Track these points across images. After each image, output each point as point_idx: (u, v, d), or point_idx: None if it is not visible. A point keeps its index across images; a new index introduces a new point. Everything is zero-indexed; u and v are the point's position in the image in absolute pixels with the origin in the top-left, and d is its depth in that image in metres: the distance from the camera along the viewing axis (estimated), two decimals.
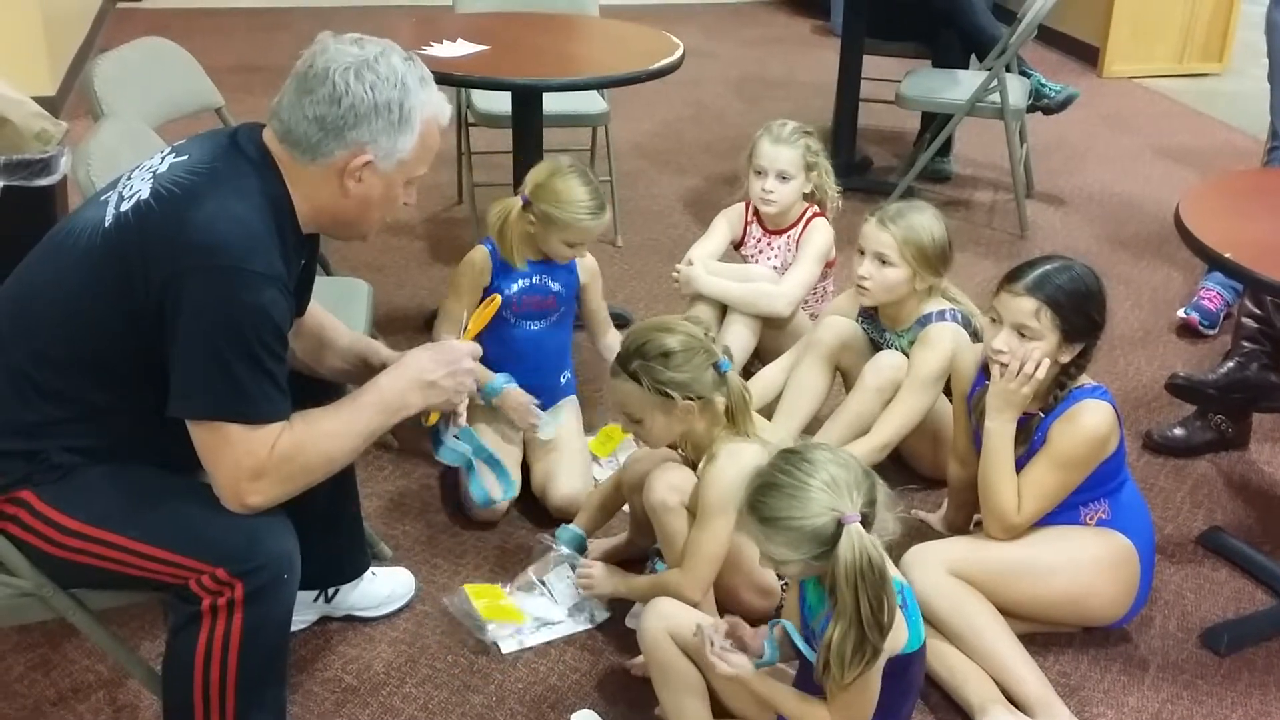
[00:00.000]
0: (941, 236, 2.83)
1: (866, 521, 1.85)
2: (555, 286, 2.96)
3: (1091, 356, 2.41)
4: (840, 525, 1.82)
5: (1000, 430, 2.42)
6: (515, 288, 2.93)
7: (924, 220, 2.82)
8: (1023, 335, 2.37)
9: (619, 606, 2.55)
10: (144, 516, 1.85)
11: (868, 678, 1.88)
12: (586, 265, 3.04)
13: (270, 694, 1.98)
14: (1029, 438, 2.43)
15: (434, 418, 2.10)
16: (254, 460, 1.82)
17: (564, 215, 2.81)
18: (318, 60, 1.85)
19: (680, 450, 2.44)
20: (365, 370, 2.22)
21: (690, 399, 2.25)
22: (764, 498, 1.88)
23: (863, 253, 2.87)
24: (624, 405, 2.33)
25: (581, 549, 2.62)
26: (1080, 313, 2.36)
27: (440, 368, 2.03)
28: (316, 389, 2.25)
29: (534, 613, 2.53)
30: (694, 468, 2.39)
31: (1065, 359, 2.38)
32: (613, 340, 3.06)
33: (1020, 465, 2.43)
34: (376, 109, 1.85)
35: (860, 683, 1.88)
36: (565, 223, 2.82)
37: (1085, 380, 2.42)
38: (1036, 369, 2.36)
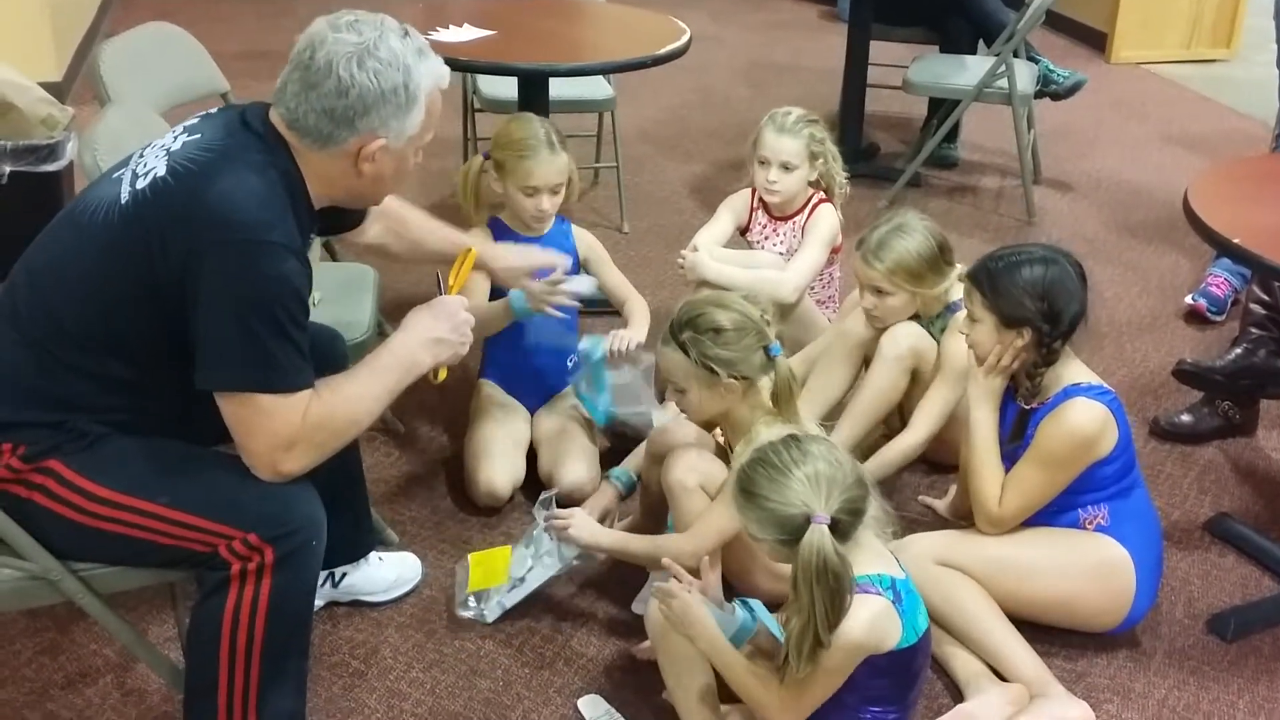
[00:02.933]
0: (928, 249, 2.79)
1: (839, 527, 1.86)
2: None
3: (1059, 349, 2.34)
4: (809, 521, 1.84)
5: (980, 419, 2.42)
6: None
7: (905, 243, 2.78)
8: (973, 320, 2.39)
9: (622, 589, 2.56)
10: (174, 483, 1.87)
11: (827, 673, 1.92)
12: (585, 240, 3.04)
13: (293, 664, 2.00)
14: (1022, 432, 2.42)
15: (443, 374, 2.12)
16: (289, 429, 1.84)
17: (511, 156, 2.85)
18: (318, 52, 1.86)
19: (719, 430, 2.44)
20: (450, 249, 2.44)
21: (735, 378, 2.25)
22: (750, 471, 1.93)
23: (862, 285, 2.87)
24: (669, 373, 2.33)
25: (631, 488, 2.63)
26: (1008, 297, 2.33)
27: (443, 323, 2.07)
28: (320, 360, 2.27)
29: (513, 572, 2.51)
30: (727, 450, 2.39)
31: (1019, 344, 2.35)
32: (636, 305, 3.03)
33: (1015, 459, 2.41)
34: (383, 96, 1.86)
35: (816, 677, 1.92)
36: (513, 165, 2.85)
37: (1086, 379, 2.37)
38: (1000, 360, 2.36)
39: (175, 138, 1.92)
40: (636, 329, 2.93)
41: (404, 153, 1.96)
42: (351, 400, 1.94)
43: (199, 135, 1.90)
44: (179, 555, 1.89)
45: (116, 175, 1.92)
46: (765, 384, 2.29)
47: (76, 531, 1.88)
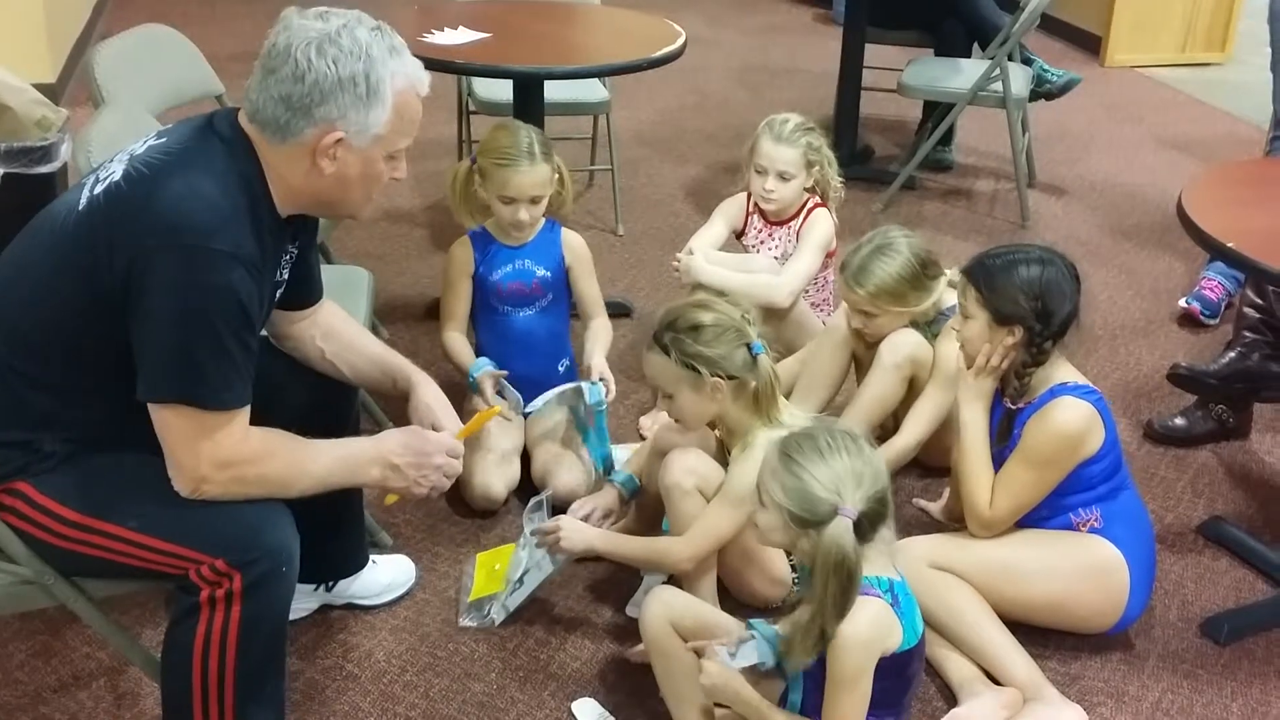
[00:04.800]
0: (909, 269, 2.79)
1: (860, 527, 1.87)
2: (539, 272, 2.96)
3: (1050, 350, 2.35)
4: (835, 513, 1.85)
5: (971, 420, 2.42)
6: (498, 274, 2.95)
7: (885, 266, 2.78)
8: (965, 317, 2.40)
9: (616, 593, 2.56)
10: (143, 507, 1.85)
11: (853, 683, 1.91)
12: (572, 246, 3.02)
13: (269, 687, 1.98)
14: (1009, 433, 2.42)
15: (390, 499, 2.10)
16: (218, 448, 1.81)
17: (491, 163, 2.84)
18: (280, 38, 1.82)
19: (717, 433, 2.44)
20: (390, 386, 2.25)
21: (719, 376, 2.26)
22: (800, 441, 1.93)
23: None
24: (655, 378, 2.34)
25: (634, 491, 2.61)
26: (1003, 294, 2.33)
27: (408, 455, 2.01)
28: (330, 393, 2.27)
29: (510, 574, 2.51)
30: (725, 453, 2.39)
31: (1010, 343, 2.35)
32: (599, 325, 3.04)
33: (1002, 460, 2.41)
34: (341, 83, 1.80)
35: (847, 700, 1.92)
36: (492, 172, 2.85)
37: (1072, 378, 2.38)
38: (990, 359, 2.37)
39: (144, 143, 1.89)
40: (597, 356, 2.92)
41: (370, 154, 1.88)
42: (293, 462, 1.91)
43: (163, 140, 1.87)
44: (152, 575, 1.88)
45: (82, 182, 1.90)
46: (753, 384, 2.30)
47: (49, 552, 1.87)
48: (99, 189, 1.83)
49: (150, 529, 1.83)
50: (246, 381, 1.83)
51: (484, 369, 2.83)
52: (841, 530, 1.85)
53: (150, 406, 1.80)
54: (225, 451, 1.82)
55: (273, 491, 1.89)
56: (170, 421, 1.80)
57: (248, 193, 1.84)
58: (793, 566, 2.42)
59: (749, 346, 2.28)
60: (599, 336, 2.99)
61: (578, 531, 2.38)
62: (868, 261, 2.80)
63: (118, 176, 1.82)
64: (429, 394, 2.21)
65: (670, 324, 2.30)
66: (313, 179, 1.89)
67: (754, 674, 2.04)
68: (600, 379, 2.84)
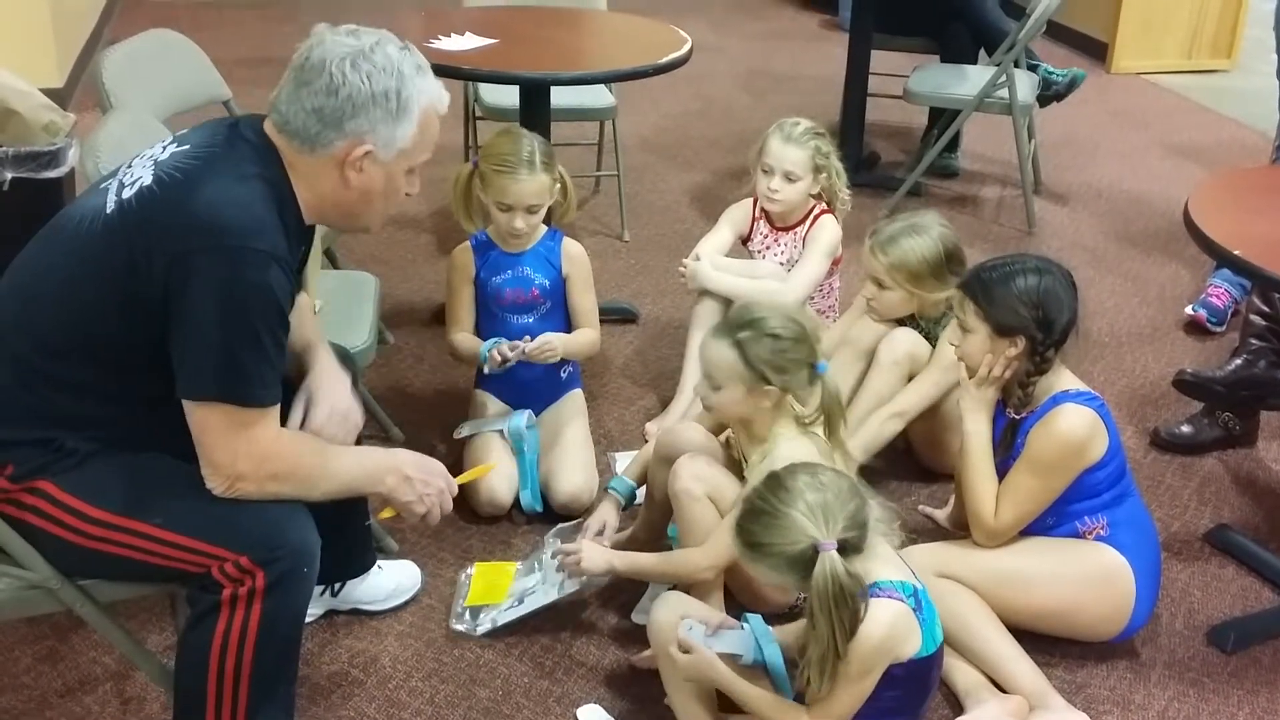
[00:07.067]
0: (934, 255, 2.81)
1: (848, 545, 1.87)
2: (537, 279, 2.95)
3: (1053, 358, 2.35)
4: (817, 551, 1.85)
5: (975, 431, 2.42)
6: (498, 280, 2.94)
7: (915, 243, 2.81)
8: (965, 330, 2.40)
9: (622, 599, 2.56)
10: (168, 504, 1.86)
11: (851, 682, 1.92)
12: (572, 256, 2.99)
13: (282, 690, 1.99)
14: (1012, 442, 2.42)
15: (387, 513, 2.12)
16: (254, 445, 1.83)
17: (490, 169, 2.83)
18: (314, 52, 1.86)
19: (730, 434, 2.43)
20: (295, 368, 2.17)
21: (774, 387, 2.26)
22: (747, 524, 1.93)
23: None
24: (712, 367, 2.31)
25: (632, 498, 2.63)
26: (1003, 306, 2.33)
27: (419, 472, 2.05)
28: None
29: (512, 591, 2.51)
30: (739, 460, 2.39)
31: (1013, 353, 2.35)
32: (585, 333, 2.99)
33: (1006, 469, 2.41)
34: (374, 98, 1.86)
35: (840, 691, 1.92)
36: (491, 178, 2.84)
37: (1073, 385, 2.38)
38: (993, 369, 2.36)
39: (164, 148, 1.91)
40: (561, 338, 2.89)
41: (393, 168, 1.94)
42: (321, 465, 1.94)
43: (187, 145, 1.90)
44: (173, 574, 1.88)
45: (104, 186, 1.92)
46: (796, 397, 2.30)
47: (71, 551, 1.87)
48: (127, 193, 1.85)
49: (175, 525, 1.85)
50: (279, 378, 1.86)
51: (493, 344, 2.83)
52: (829, 565, 1.84)
53: (187, 405, 1.82)
54: (261, 448, 1.84)
55: (300, 491, 1.91)
56: (208, 419, 1.82)
57: (277, 197, 1.88)
58: None
59: (813, 365, 2.29)
60: (576, 334, 2.97)
61: (599, 553, 2.38)
62: (898, 234, 2.84)
63: (148, 181, 1.84)
64: (326, 367, 2.16)
65: (752, 323, 2.27)
66: (338, 190, 1.93)
67: (735, 667, 2.04)
68: (522, 347, 2.80)
